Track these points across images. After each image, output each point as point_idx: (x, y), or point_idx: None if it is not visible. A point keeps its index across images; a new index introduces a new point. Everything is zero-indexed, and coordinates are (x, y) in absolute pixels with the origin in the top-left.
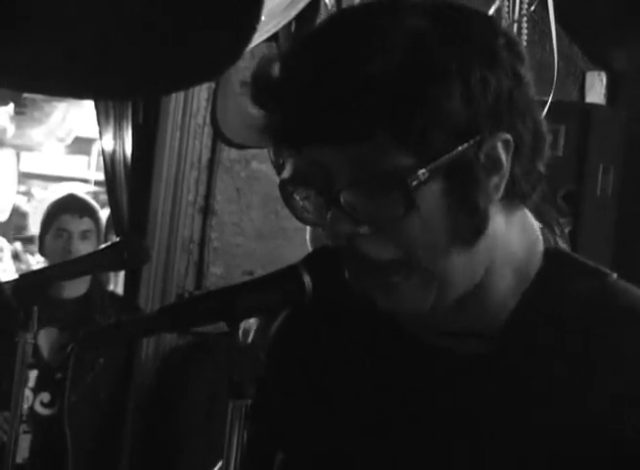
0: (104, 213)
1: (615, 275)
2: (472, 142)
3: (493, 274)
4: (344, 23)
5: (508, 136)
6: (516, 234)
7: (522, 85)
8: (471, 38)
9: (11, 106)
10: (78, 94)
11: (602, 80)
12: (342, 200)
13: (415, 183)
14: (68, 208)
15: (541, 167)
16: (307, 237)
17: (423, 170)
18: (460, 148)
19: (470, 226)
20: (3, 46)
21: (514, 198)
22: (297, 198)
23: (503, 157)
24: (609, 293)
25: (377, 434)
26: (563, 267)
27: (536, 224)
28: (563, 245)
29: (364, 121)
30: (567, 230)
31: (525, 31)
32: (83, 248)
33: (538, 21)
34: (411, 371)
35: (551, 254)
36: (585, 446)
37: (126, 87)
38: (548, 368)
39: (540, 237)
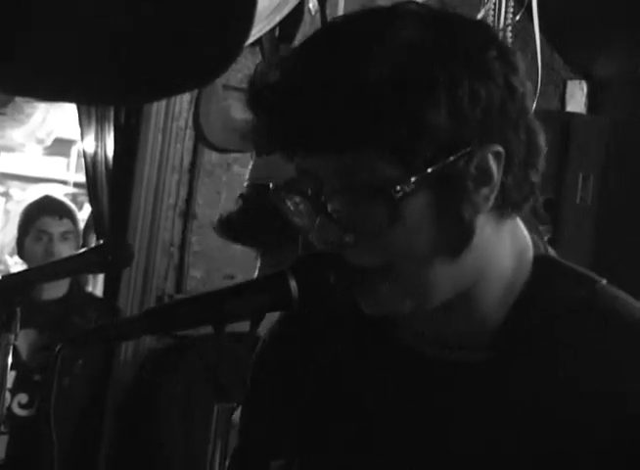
0: (81, 215)
1: (604, 281)
2: (460, 154)
3: (483, 284)
4: (335, 33)
5: (499, 148)
6: (506, 244)
7: (515, 96)
8: (461, 49)
9: None
10: (63, 98)
11: (583, 89)
12: (329, 208)
13: (400, 194)
14: (46, 209)
15: (534, 178)
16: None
17: (408, 182)
18: (447, 160)
19: (455, 238)
20: None
21: (505, 208)
22: (289, 203)
23: (494, 168)
24: (597, 300)
25: (366, 440)
26: (551, 275)
27: (526, 232)
28: (553, 252)
29: (351, 132)
30: (546, 238)
31: (509, 41)
32: (64, 249)
33: (521, 30)
34: (399, 378)
35: (540, 261)
36: (575, 454)
37: (111, 93)
38: (536, 378)
39: (530, 245)
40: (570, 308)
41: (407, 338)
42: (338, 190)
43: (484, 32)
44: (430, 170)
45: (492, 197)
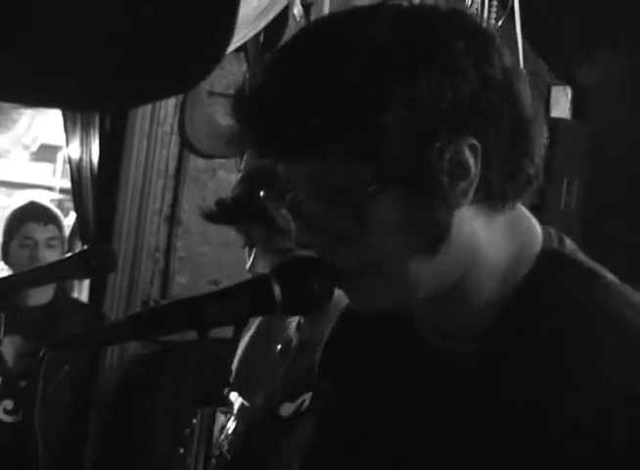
0: (68, 221)
1: (610, 277)
2: (429, 150)
3: (473, 278)
4: (303, 38)
5: (473, 140)
6: (499, 237)
7: (491, 86)
8: (422, 44)
9: None
10: (45, 104)
11: (567, 95)
12: (303, 212)
13: (369, 196)
14: (32, 215)
15: (530, 168)
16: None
17: (376, 183)
18: (414, 158)
19: (429, 235)
20: None
21: (495, 201)
22: (277, 210)
23: (470, 161)
24: (599, 298)
25: (368, 431)
26: (555, 269)
27: (534, 226)
28: (571, 245)
29: (317, 137)
30: None
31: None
32: (49, 256)
33: (504, 34)
34: (403, 371)
35: (547, 255)
36: (566, 450)
37: (95, 99)
38: (526, 372)
39: (537, 238)
40: (566, 306)
41: (417, 330)
42: (310, 194)
43: (454, 23)
44: (395, 170)
45: (471, 191)
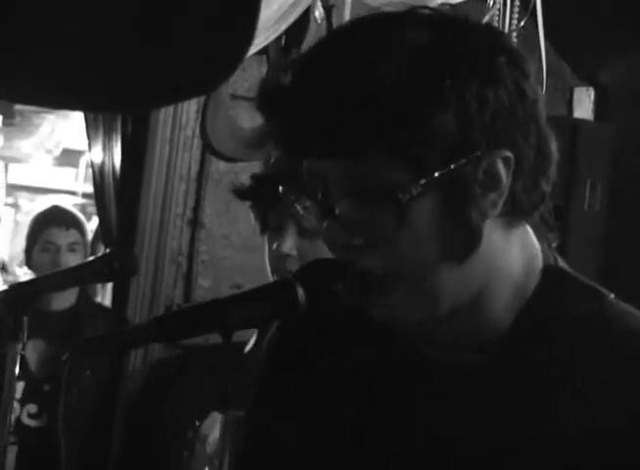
0: (90, 226)
1: (612, 296)
2: (468, 159)
3: (491, 291)
4: (343, 38)
5: (508, 153)
6: (515, 251)
7: (525, 101)
8: (470, 53)
9: None
10: (70, 106)
11: (590, 96)
12: (336, 211)
13: (407, 199)
14: (54, 220)
15: (545, 186)
16: (266, 259)
17: (415, 186)
18: (455, 165)
19: (462, 243)
20: None
21: (514, 215)
22: (298, 206)
23: (503, 173)
24: (606, 314)
25: (368, 445)
26: (560, 286)
27: (536, 241)
28: (562, 263)
29: (358, 137)
30: (554, 245)
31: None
32: (71, 260)
33: (527, 36)
34: (404, 382)
35: (549, 271)
36: (571, 465)
37: (116, 100)
38: (537, 386)
39: (540, 254)
40: (576, 319)
41: (414, 341)
42: (345, 193)
43: (494, 37)
44: (437, 175)
45: (500, 203)
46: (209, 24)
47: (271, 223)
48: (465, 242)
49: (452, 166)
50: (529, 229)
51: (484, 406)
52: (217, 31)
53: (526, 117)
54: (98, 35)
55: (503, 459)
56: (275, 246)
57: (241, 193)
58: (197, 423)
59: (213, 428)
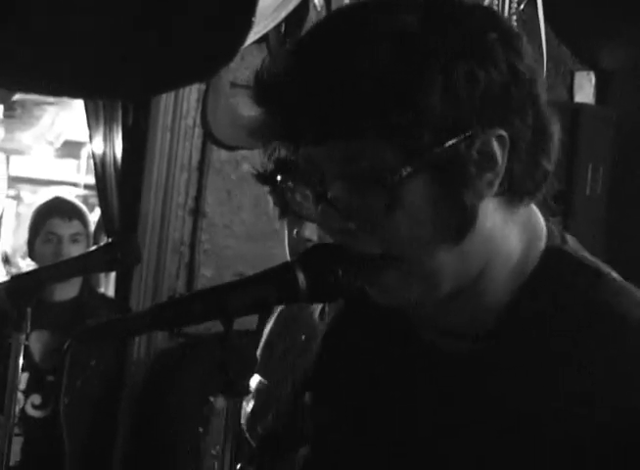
0: (93, 217)
1: (615, 275)
2: (461, 138)
3: (490, 272)
4: (334, 22)
5: (502, 132)
6: (516, 232)
7: (520, 81)
8: (459, 32)
9: (0, 109)
10: (70, 93)
11: (591, 80)
12: (330, 195)
13: (398, 180)
14: (56, 211)
15: (547, 165)
16: (285, 244)
17: (406, 168)
18: (446, 144)
19: (456, 223)
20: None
21: (514, 195)
22: (296, 193)
23: (498, 153)
24: (602, 295)
25: (370, 430)
26: (558, 267)
27: (540, 223)
28: (573, 243)
29: (347, 121)
30: None
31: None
32: (74, 251)
33: (527, 20)
34: (407, 370)
35: (550, 252)
36: (564, 444)
37: (119, 87)
38: (534, 367)
39: (543, 234)
40: (571, 301)
41: (417, 325)
42: (338, 177)
43: (486, 16)
44: (428, 155)
45: (497, 182)
46: (208, 9)
47: (291, 209)
48: (459, 223)
49: (444, 146)
50: (534, 210)
51: (484, 390)
52: (216, 16)
53: (522, 97)
54: (99, 22)
55: (506, 439)
56: (296, 231)
57: (262, 178)
58: (211, 399)
59: None
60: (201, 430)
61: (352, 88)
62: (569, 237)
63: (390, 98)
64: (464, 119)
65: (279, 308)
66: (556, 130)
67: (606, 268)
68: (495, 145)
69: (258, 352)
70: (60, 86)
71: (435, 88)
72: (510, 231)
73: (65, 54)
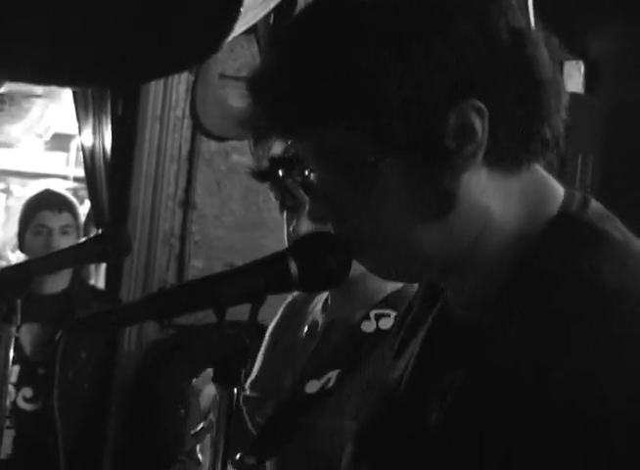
0: (83, 210)
1: (630, 242)
2: (429, 116)
3: (486, 242)
4: (305, 13)
5: (478, 103)
6: (514, 201)
7: (498, 47)
8: (412, 11)
9: None
10: (57, 82)
11: (580, 69)
12: (312, 184)
13: (371, 166)
14: (46, 203)
15: (548, 133)
16: (284, 234)
17: (378, 153)
18: (415, 124)
19: (435, 200)
20: None
21: (506, 164)
22: (283, 184)
23: (477, 124)
24: (600, 269)
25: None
26: (561, 237)
27: (553, 190)
28: (596, 210)
29: (316, 112)
30: None
31: None
32: (64, 243)
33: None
34: (427, 341)
35: (561, 219)
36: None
37: (104, 74)
38: (523, 347)
39: (552, 203)
40: (567, 273)
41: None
42: (319, 168)
43: None
44: (398, 139)
45: (480, 153)
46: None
47: (287, 203)
48: (439, 202)
49: (413, 127)
50: (542, 176)
51: (484, 361)
52: (203, 3)
53: (501, 64)
54: (86, 10)
55: (506, 407)
56: (292, 225)
57: (258, 175)
58: (193, 381)
59: (206, 383)
60: (182, 411)
61: (313, 82)
62: (594, 204)
63: (349, 88)
64: (429, 97)
65: (284, 304)
66: (556, 94)
67: (620, 235)
68: (472, 115)
69: (263, 345)
70: (47, 76)
71: (390, 71)
72: (508, 200)
73: (50, 42)
